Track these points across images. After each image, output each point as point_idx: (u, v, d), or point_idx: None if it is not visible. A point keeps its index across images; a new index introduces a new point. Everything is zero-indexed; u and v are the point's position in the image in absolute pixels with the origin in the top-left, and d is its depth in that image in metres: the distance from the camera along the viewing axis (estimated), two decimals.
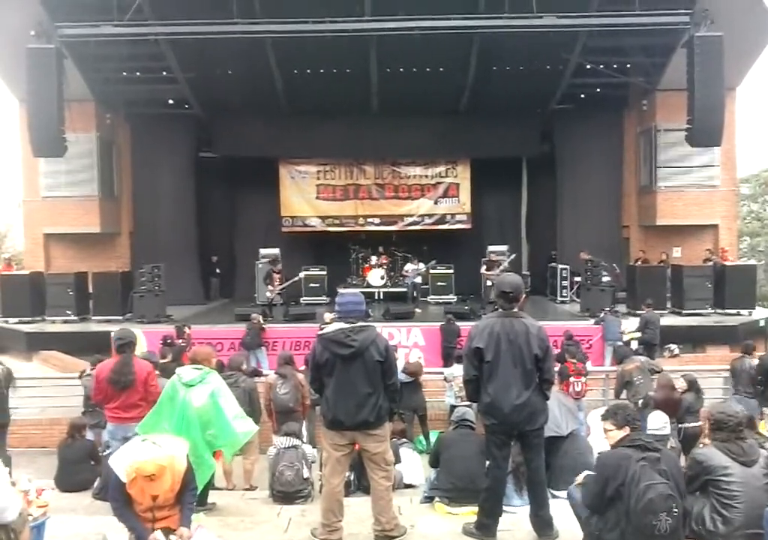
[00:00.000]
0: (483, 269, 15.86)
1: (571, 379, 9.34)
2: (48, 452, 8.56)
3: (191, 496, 4.18)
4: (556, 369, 9.76)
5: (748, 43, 15.77)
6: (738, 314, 15.49)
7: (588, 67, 16.75)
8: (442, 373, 10.35)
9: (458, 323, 13.19)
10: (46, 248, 19.00)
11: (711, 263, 16.79)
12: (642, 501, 3.77)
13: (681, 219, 18.42)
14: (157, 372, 6.85)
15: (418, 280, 17.37)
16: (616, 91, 18.27)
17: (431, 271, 17.99)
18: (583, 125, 18.37)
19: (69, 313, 15.47)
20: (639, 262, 17.85)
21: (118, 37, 14.28)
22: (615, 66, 16.89)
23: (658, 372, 8.82)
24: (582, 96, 18.28)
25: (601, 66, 16.76)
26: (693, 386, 8.08)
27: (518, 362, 4.51)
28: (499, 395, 4.52)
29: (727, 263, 16.76)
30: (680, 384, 8.22)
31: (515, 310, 4.67)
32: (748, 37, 15.49)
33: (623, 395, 8.74)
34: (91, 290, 16.07)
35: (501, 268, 15.34)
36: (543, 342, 4.57)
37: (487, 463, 4.77)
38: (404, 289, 17.64)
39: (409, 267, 17.59)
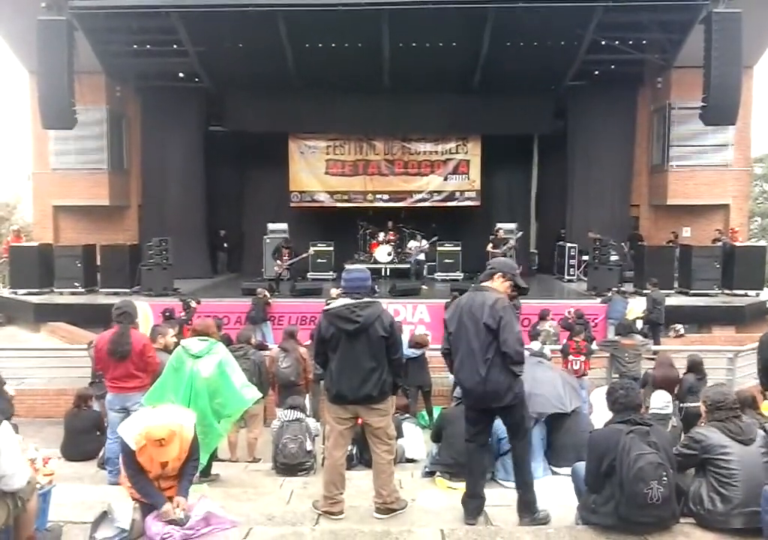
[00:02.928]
0: (489, 247, 15.80)
1: (570, 357, 9.37)
2: (54, 422, 8.70)
3: (192, 467, 4.23)
4: (559, 346, 9.87)
5: (767, 20, 15.47)
6: (746, 295, 15.43)
7: (603, 43, 16.42)
8: None
9: None
10: (55, 220, 19.05)
11: (720, 243, 16.69)
12: (633, 469, 3.85)
13: (692, 199, 18.21)
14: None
15: (422, 257, 17.30)
16: (630, 68, 17.98)
17: (438, 248, 17.90)
18: (596, 102, 18.13)
19: (77, 285, 15.54)
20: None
21: (128, 9, 14.26)
22: (630, 42, 16.53)
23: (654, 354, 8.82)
24: (596, 73, 17.99)
25: (617, 42, 16.42)
26: (696, 367, 8.06)
27: (477, 335, 4.40)
28: (462, 368, 4.50)
29: (737, 244, 16.67)
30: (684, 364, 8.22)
31: (485, 284, 4.61)
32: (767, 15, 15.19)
33: None
34: (99, 263, 16.12)
35: (508, 245, 15.27)
36: (497, 312, 4.35)
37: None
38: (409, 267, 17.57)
39: (412, 244, 17.49)
